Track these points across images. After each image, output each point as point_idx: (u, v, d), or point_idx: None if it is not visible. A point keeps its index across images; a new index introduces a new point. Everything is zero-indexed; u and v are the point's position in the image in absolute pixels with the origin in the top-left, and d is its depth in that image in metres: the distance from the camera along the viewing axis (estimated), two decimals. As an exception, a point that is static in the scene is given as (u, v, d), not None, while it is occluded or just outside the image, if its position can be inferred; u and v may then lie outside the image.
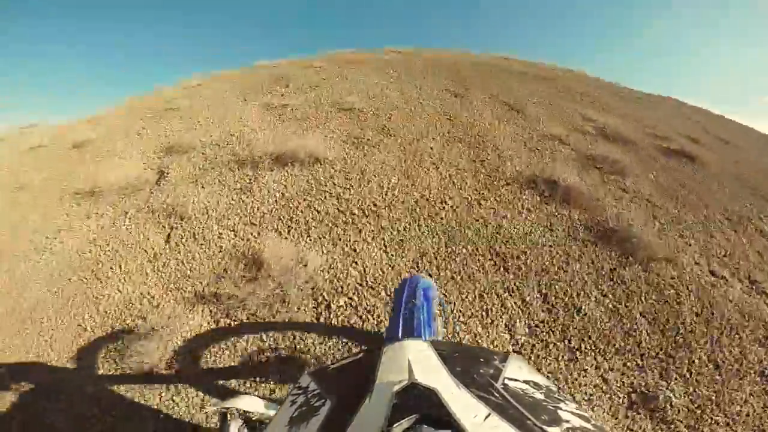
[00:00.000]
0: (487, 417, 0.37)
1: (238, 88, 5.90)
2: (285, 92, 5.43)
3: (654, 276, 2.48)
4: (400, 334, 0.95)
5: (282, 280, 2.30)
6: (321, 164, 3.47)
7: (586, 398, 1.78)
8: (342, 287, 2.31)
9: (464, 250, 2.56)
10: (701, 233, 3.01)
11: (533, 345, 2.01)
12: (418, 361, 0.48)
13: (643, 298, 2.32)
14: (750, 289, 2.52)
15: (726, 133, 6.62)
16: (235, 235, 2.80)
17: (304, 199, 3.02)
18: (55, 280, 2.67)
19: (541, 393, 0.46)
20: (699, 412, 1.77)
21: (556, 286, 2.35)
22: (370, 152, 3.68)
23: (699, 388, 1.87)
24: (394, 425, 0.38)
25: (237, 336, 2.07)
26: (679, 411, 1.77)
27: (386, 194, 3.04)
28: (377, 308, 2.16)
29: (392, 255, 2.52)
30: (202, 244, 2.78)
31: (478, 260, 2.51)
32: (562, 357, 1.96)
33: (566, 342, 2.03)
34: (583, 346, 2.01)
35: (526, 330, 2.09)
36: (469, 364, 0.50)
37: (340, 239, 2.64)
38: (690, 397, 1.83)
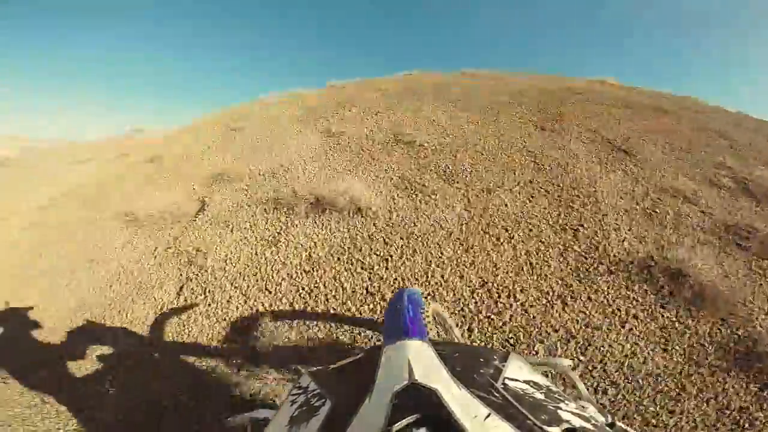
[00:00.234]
0: (487, 417, 0.36)
1: (303, 110, 5.70)
2: (346, 117, 5.03)
3: None
4: (395, 335, 0.81)
5: (277, 389, 1.74)
6: (362, 216, 2.89)
7: None
8: None
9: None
10: None
11: None
12: (418, 361, 0.47)
13: None
14: None
15: None
16: (245, 302, 2.34)
17: (332, 267, 2.45)
18: (63, 318, 2.50)
19: (541, 393, 0.45)
20: None
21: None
22: (424, 205, 2.98)
23: None
24: (394, 425, 0.38)
25: None
26: None
27: (433, 274, 2.31)
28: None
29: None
30: (210, 305, 2.37)
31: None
32: None
33: None
34: None
35: None
36: (469, 364, 0.51)
37: (357, 340, 1.99)
38: None
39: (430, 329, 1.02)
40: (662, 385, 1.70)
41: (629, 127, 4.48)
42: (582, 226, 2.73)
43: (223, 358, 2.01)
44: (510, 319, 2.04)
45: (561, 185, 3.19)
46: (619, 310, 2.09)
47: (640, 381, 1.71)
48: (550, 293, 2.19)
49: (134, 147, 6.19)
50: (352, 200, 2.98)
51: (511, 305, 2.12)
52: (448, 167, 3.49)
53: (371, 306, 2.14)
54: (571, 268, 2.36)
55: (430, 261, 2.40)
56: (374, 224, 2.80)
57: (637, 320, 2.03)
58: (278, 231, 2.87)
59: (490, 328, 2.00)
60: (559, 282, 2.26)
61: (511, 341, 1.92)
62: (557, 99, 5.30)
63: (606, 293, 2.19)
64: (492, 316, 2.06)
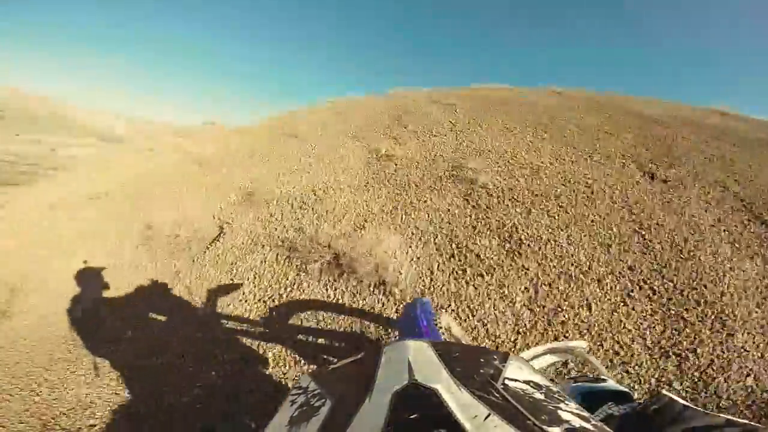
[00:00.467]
0: (487, 417, 0.36)
1: (357, 121, 5.13)
2: (400, 135, 4.32)
3: None
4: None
5: None
6: (384, 294, 2.19)
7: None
8: None
9: None
10: None
11: None
12: (418, 361, 0.47)
13: None
14: None
15: None
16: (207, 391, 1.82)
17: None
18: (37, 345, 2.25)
19: (541, 393, 0.45)
20: None
21: None
22: (472, 289, 2.17)
23: None
24: (394, 425, 0.37)
25: None
26: None
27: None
28: None
29: None
30: (172, 382, 1.91)
31: None
32: None
33: None
34: None
35: None
36: (469, 364, 0.49)
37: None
38: None
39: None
40: None
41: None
42: (695, 351, 1.73)
43: None
44: None
45: (674, 280, 2.13)
46: None
47: None
48: None
49: (196, 142, 6.24)
50: (377, 266, 2.29)
51: None
52: (516, 229, 2.60)
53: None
54: None
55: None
56: (396, 310, 2.08)
57: None
58: (279, 295, 2.31)
59: None
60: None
61: None
62: (668, 132, 3.93)
63: None
64: None
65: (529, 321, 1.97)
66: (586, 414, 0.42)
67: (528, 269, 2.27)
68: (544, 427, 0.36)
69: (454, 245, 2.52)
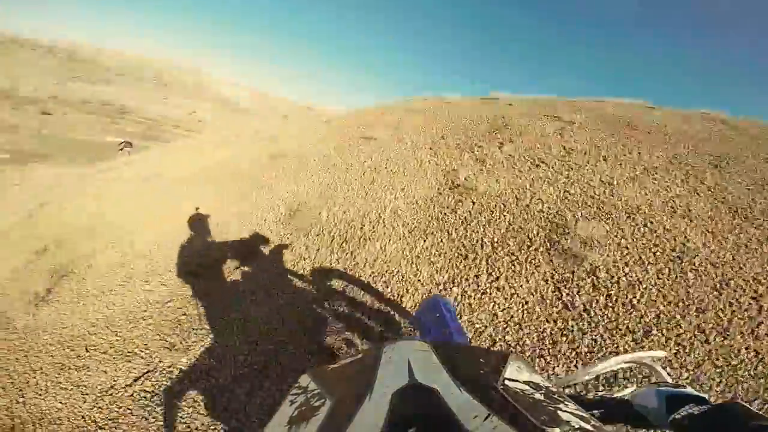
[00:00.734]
0: (487, 417, 0.36)
1: (442, 127, 4.29)
2: (489, 157, 3.37)
3: None
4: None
5: None
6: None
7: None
8: None
9: None
10: None
11: None
12: (417, 361, 0.47)
13: None
14: None
15: None
16: None
17: None
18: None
19: (541, 393, 0.45)
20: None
21: None
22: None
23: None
24: (394, 426, 0.37)
25: None
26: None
27: None
28: None
29: None
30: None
31: None
32: None
33: None
34: None
35: None
36: (469, 365, 0.50)
37: None
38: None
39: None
40: None
41: None
42: None
43: None
44: None
45: None
46: None
47: None
48: None
49: (285, 134, 6.18)
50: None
51: None
52: (631, 369, 1.58)
53: None
54: None
55: None
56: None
57: None
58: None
59: None
60: None
61: None
62: None
63: None
64: None
65: None
66: (585, 414, 0.41)
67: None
68: (544, 427, 0.35)
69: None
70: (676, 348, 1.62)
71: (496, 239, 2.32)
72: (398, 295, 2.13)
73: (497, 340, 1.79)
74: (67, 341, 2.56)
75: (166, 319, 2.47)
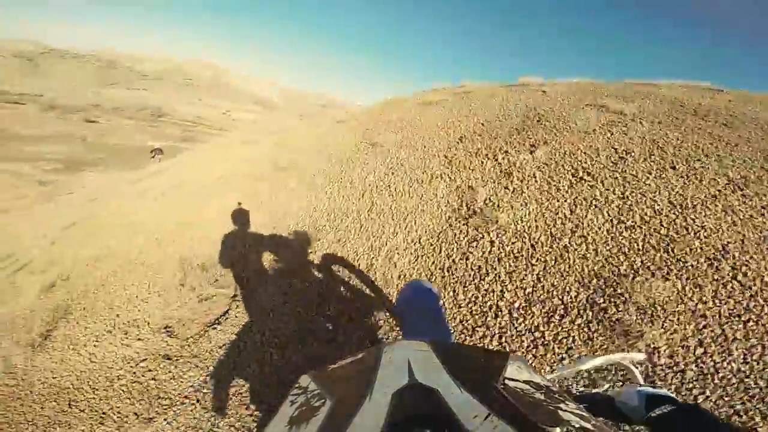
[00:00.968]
0: (487, 417, 0.35)
1: (461, 125, 3.62)
2: (518, 169, 2.69)
3: None
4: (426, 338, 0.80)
5: None
6: None
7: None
8: None
9: None
10: None
11: None
12: (417, 361, 0.47)
13: None
14: None
15: None
16: None
17: None
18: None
19: (541, 393, 0.44)
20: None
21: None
22: None
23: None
24: (394, 426, 0.36)
25: None
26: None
27: None
28: None
29: None
30: None
31: None
32: None
33: None
34: None
35: None
36: (469, 364, 0.50)
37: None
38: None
39: None
40: None
41: None
42: None
43: None
44: None
45: None
46: None
47: None
48: None
49: (302, 133, 5.80)
50: None
51: None
52: None
53: None
54: None
55: None
56: None
57: None
58: None
59: None
60: None
61: None
62: None
63: None
64: None
65: None
66: (586, 414, 0.41)
67: None
68: (545, 426, 0.35)
69: None
70: None
71: (516, 304, 1.71)
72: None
73: None
74: (54, 393, 2.43)
75: (137, 381, 2.23)
